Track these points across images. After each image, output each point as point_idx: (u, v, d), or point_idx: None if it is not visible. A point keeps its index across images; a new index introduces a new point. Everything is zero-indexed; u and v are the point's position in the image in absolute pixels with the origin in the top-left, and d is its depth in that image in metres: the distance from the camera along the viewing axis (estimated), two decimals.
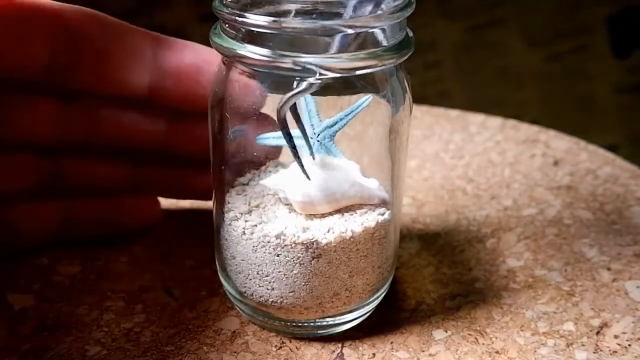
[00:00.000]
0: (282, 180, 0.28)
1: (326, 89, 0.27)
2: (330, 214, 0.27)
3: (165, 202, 0.39)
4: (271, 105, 0.28)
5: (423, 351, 0.28)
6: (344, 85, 0.27)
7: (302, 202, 0.27)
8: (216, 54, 0.27)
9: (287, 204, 0.28)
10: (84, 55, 0.30)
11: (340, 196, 0.27)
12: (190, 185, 0.35)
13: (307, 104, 0.27)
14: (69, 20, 0.30)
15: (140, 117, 0.32)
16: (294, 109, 0.26)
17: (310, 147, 0.27)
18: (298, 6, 0.25)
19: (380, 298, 0.30)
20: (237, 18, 0.25)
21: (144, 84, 0.31)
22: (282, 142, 0.27)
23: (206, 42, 0.27)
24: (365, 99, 0.27)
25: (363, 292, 0.28)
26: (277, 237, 0.26)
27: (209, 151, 0.30)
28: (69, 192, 0.33)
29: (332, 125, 0.27)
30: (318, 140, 0.27)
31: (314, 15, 0.25)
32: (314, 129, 0.27)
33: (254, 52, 0.25)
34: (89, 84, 0.31)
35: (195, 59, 0.31)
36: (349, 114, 0.27)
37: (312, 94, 0.26)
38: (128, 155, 0.34)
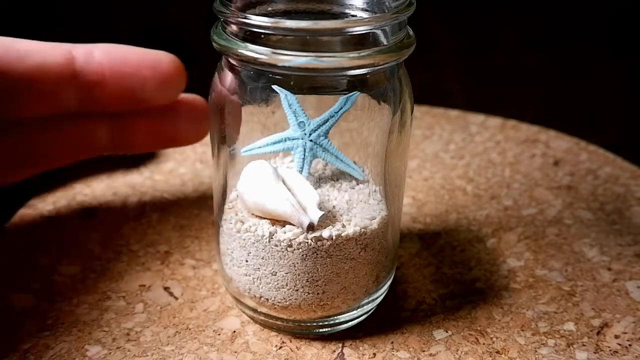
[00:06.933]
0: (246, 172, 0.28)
1: (325, 88, 0.27)
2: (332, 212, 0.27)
3: (166, 202, 0.39)
4: (271, 105, 0.28)
5: (423, 351, 0.28)
6: (344, 85, 0.27)
7: (238, 195, 0.27)
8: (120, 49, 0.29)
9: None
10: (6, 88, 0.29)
11: (268, 207, 0.26)
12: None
13: (290, 104, 0.26)
14: None
15: (79, 127, 0.33)
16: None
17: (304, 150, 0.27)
18: (298, 6, 0.25)
19: (380, 298, 0.30)
20: (237, 18, 0.25)
21: (72, 101, 0.31)
22: (267, 150, 0.27)
23: (206, 42, 0.27)
24: (352, 94, 0.26)
25: (363, 292, 0.28)
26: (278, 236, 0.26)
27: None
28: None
29: (323, 123, 0.26)
30: (311, 140, 0.27)
31: (314, 15, 0.25)
32: (304, 128, 0.26)
33: (254, 51, 0.25)
34: (17, 113, 0.30)
35: (111, 60, 0.31)
36: (339, 110, 0.26)
37: (311, 94, 0.26)
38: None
